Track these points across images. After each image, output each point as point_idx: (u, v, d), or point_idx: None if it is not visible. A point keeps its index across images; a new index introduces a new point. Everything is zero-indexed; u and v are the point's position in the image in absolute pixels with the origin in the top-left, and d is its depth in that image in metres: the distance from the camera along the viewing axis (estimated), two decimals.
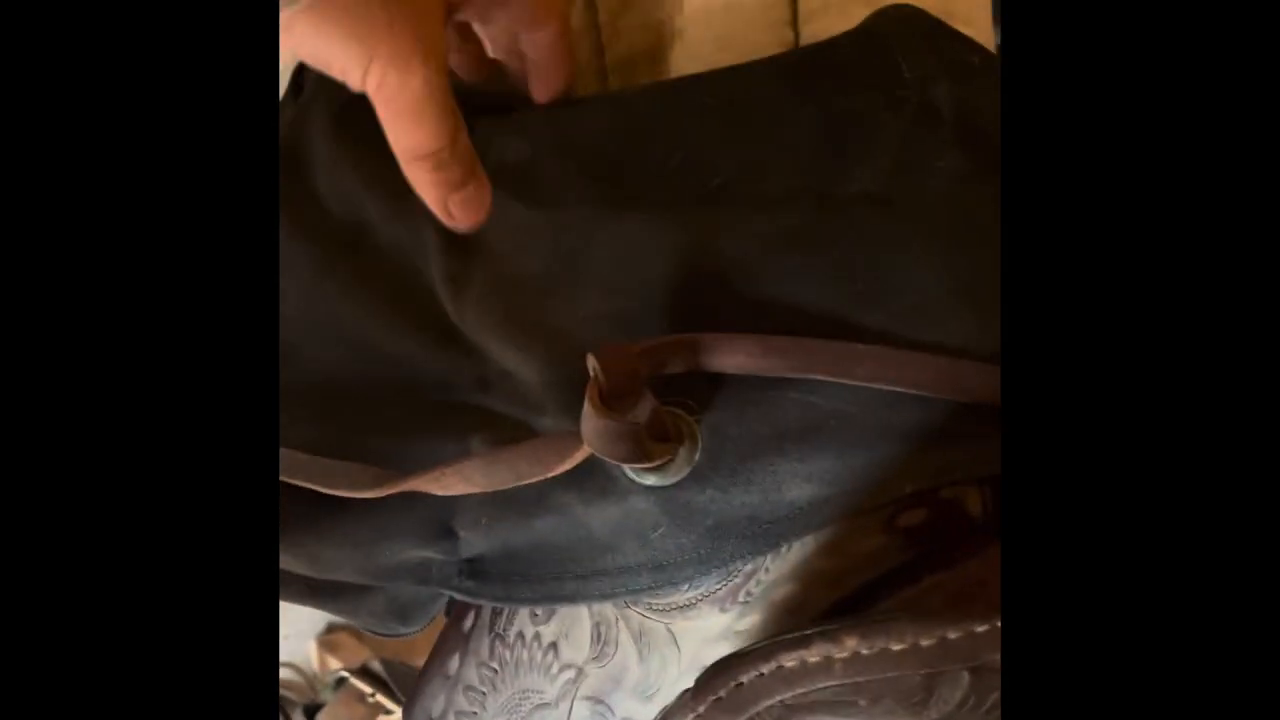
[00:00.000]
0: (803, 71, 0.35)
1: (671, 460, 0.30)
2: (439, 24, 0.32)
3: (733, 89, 0.35)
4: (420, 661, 0.43)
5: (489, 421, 0.34)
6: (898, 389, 0.30)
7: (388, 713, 0.80)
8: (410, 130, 0.32)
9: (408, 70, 0.31)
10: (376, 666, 0.79)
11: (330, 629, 1.07)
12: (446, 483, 0.31)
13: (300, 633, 0.82)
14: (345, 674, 0.79)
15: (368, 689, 0.79)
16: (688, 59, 0.39)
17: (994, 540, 0.31)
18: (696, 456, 0.31)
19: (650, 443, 0.29)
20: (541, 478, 0.30)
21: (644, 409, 0.28)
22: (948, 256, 0.32)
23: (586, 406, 0.27)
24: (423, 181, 0.33)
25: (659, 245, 0.33)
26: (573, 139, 0.36)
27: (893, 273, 0.32)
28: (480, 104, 0.38)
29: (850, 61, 0.35)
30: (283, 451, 0.34)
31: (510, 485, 0.30)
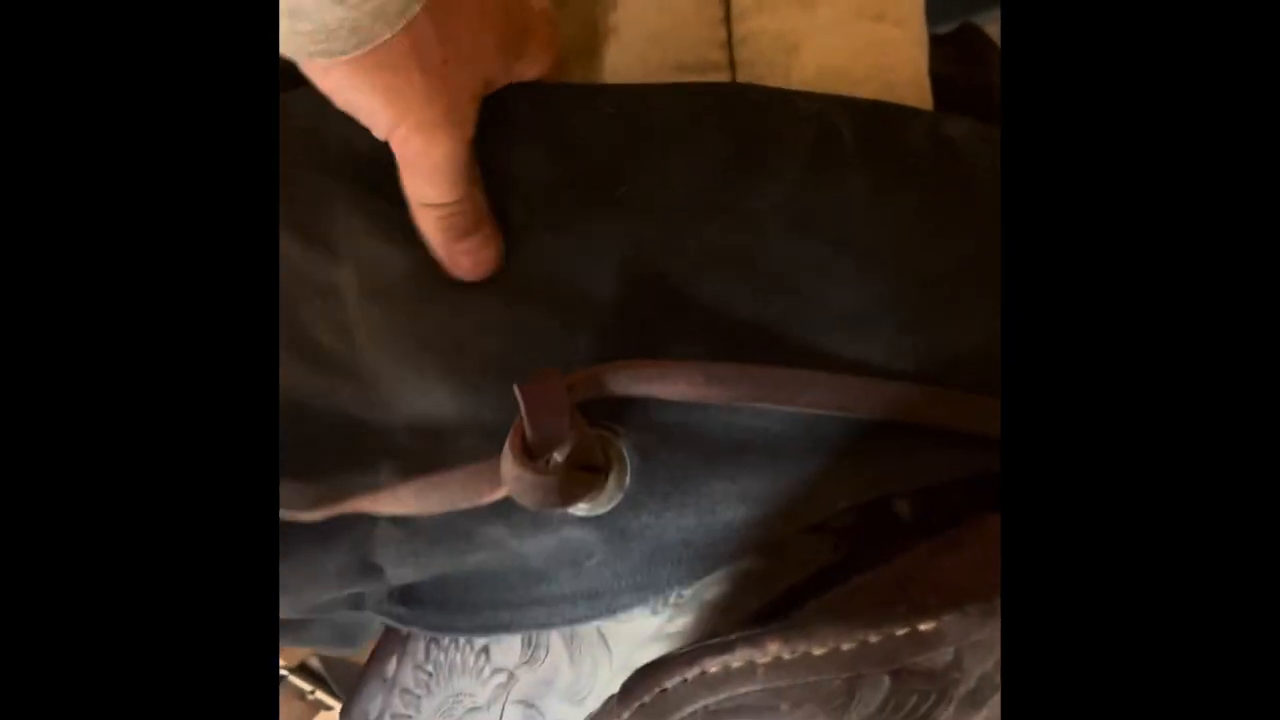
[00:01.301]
0: (703, 94, 0.34)
1: (602, 489, 0.30)
2: (474, 100, 0.32)
3: (634, 102, 0.34)
4: (359, 658, 0.43)
5: (392, 448, 0.33)
6: (839, 414, 0.30)
7: (327, 709, 0.79)
8: (423, 186, 0.32)
9: (433, 140, 0.30)
10: (315, 664, 0.78)
11: None
12: (380, 503, 0.30)
13: None
14: (284, 672, 0.78)
15: (307, 686, 0.78)
16: (621, 55, 0.39)
17: (920, 539, 0.32)
18: (627, 482, 0.30)
19: (576, 477, 0.28)
20: (473, 504, 0.30)
21: (570, 442, 0.27)
22: (863, 271, 0.32)
23: (506, 452, 0.27)
24: (429, 227, 0.33)
25: (563, 258, 0.32)
26: None
27: (812, 291, 0.32)
28: None
29: (749, 91, 0.35)
30: None
31: (442, 510, 0.30)
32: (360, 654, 0.44)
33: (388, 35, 0.27)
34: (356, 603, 0.36)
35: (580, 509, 0.30)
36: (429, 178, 0.31)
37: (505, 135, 0.33)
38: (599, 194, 0.33)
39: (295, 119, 0.34)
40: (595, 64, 0.40)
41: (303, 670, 0.78)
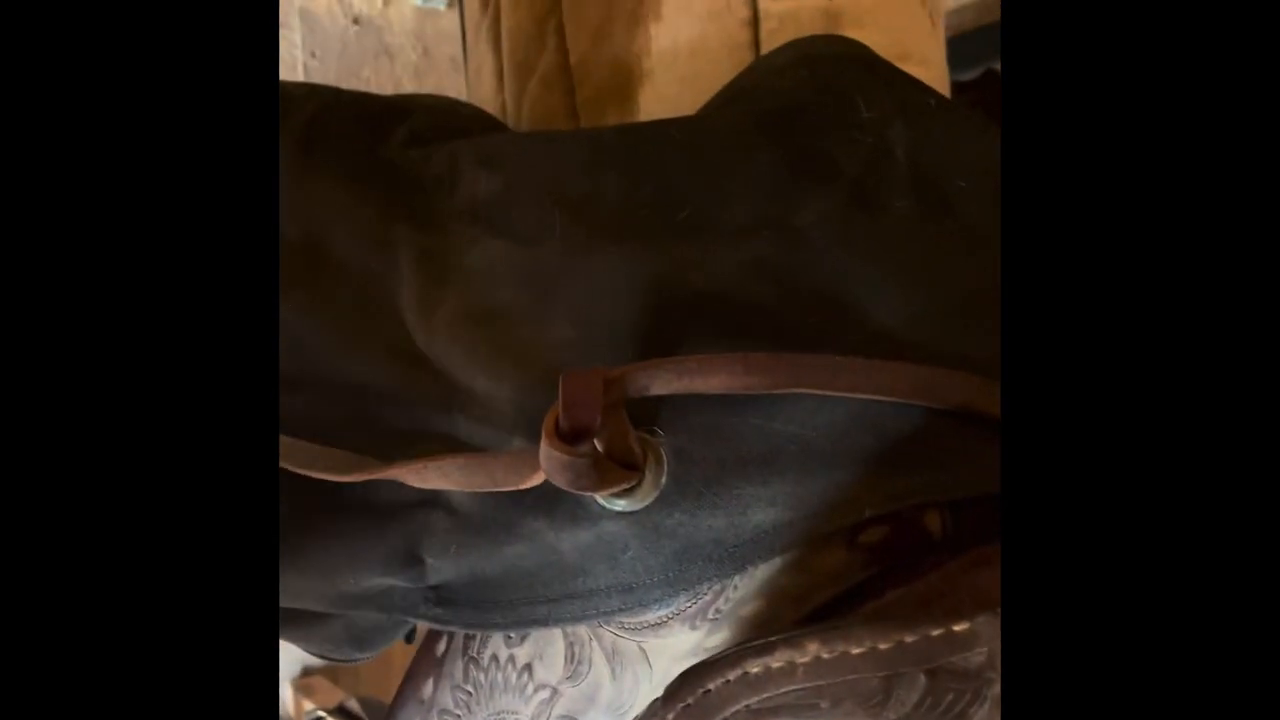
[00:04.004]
0: (764, 110, 0.37)
1: (639, 485, 0.31)
2: None
3: (699, 127, 0.37)
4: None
5: (455, 448, 0.34)
6: (877, 398, 0.31)
7: None
8: None
9: None
10: (354, 705, 0.78)
11: (306, 672, 1.05)
12: (426, 476, 0.32)
13: None
14: (321, 714, 0.78)
15: None
16: (655, 99, 0.41)
17: (953, 556, 0.32)
18: (663, 481, 0.32)
19: (612, 469, 0.29)
20: (516, 487, 0.31)
21: (607, 435, 0.29)
22: (906, 290, 0.33)
23: (543, 432, 0.28)
24: None
25: (628, 277, 0.34)
26: (547, 173, 0.37)
27: (853, 305, 0.33)
28: (456, 126, 0.40)
29: (810, 102, 0.37)
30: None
31: (484, 490, 0.31)
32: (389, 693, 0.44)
33: None
34: (385, 602, 0.36)
35: (618, 505, 0.31)
36: None
37: (591, 162, 0.36)
38: (662, 218, 0.35)
39: None
40: (629, 106, 0.42)
41: (340, 712, 0.79)
